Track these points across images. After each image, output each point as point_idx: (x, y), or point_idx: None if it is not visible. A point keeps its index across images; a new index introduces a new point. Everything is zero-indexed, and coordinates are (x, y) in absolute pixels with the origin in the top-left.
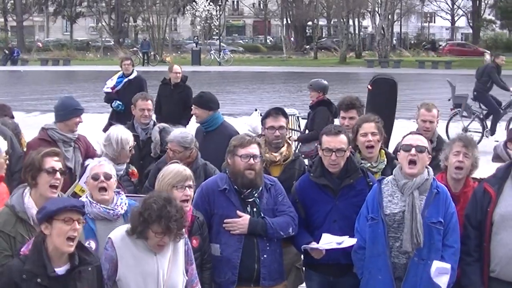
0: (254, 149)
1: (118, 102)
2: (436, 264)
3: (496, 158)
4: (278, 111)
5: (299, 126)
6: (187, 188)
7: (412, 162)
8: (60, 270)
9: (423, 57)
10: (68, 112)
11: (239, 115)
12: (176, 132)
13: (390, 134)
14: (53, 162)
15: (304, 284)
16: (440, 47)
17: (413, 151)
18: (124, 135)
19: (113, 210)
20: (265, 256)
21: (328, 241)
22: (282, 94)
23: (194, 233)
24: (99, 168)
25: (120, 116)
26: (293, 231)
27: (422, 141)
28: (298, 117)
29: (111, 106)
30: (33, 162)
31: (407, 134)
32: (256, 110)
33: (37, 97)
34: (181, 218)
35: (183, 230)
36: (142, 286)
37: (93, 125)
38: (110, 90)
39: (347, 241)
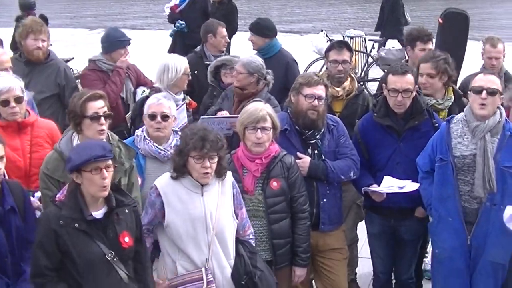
0: (320, 90)
1: (181, 22)
2: (511, 210)
3: None
4: (342, 45)
5: (365, 48)
6: (259, 130)
7: (482, 105)
8: (98, 214)
9: None
10: (112, 43)
11: (304, 33)
12: (246, 56)
13: (460, 70)
14: (96, 107)
15: (363, 222)
16: None
17: (484, 94)
18: (180, 62)
19: (164, 151)
20: (324, 200)
21: (390, 185)
22: (348, 9)
23: (275, 175)
24: (157, 107)
25: (184, 36)
26: (354, 175)
27: (494, 82)
28: (364, 38)
29: (174, 26)
30: (75, 109)
31: (479, 73)
32: (322, 31)
33: (100, 13)
34: (217, 140)
35: (225, 164)
36: (191, 230)
37: (156, 43)
38: (170, 11)
39: (409, 186)
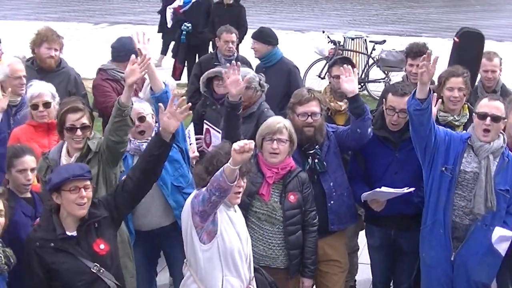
0: (312, 106)
1: (187, 24)
2: (499, 232)
3: None
4: (345, 61)
5: (366, 49)
6: (275, 141)
7: (486, 131)
8: (74, 233)
9: None
10: (127, 55)
11: (306, 30)
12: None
13: (473, 87)
14: (74, 119)
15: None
16: None
17: (488, 120)
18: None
19: (146, 141)
20: (332, 202)
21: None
22: (349, 7)
23: (293, 189)
24: (132, 111)
25: (188, 36)
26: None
27: (499, 108)
28: (365, 39)
29: (181, 29)
30: (57, 119)
31: (484, 98)
32: (323, 32)
33: (105, 7)
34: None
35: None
36: (240, 246)
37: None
38: (173, 12)
39: (405, 190)
